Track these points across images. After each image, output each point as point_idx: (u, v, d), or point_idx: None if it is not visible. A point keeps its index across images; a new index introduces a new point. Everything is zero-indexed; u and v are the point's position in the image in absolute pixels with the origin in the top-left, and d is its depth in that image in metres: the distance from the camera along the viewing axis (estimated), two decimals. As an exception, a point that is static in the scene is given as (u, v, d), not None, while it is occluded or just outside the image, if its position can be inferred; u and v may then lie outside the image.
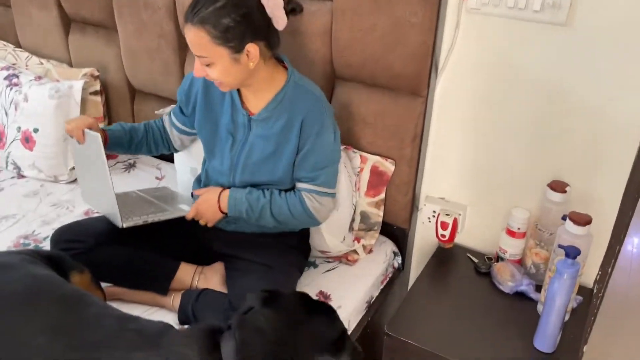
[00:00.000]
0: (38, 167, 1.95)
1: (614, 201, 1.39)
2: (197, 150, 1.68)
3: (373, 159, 1.62)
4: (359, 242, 1.64)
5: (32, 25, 2.20)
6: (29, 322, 1.00)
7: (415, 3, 1.37)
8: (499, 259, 1.57)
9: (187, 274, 1.47)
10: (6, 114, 1.96)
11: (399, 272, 1.75)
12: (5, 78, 2.01)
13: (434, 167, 1.65)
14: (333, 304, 1.48)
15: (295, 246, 1.55)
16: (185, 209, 1.51)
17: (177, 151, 1.70)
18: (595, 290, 1.46)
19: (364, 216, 1.66)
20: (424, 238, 1.76)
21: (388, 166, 1.61)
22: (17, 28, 2.26)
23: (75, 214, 1.80)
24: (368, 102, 1.57)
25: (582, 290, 1.48)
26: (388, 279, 1.70)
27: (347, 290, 1.54)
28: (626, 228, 1.20)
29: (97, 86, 2.04)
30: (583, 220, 1.29)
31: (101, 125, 2.06)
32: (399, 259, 1.75)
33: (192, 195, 1.60)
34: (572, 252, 1.20)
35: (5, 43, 2.24)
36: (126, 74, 2.03)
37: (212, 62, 1.28)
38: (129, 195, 1.63)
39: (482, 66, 1.45)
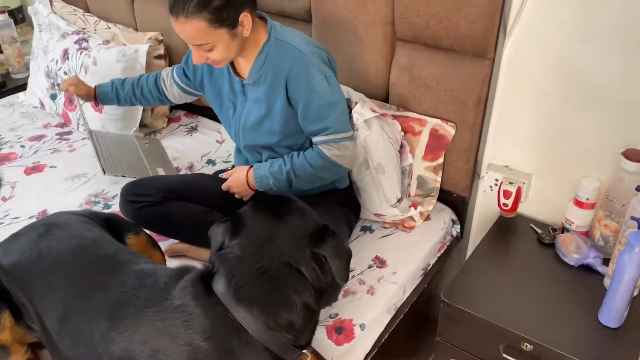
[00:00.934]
0: (107, 128, 2.03)
1: (696, 172, 1.29)
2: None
3: (433, 122, 1.58)
4: (415, 208, 1.62)
5: (100, -9, 2.26)
6: (67, 282, 1.09)
7: (484, -42, 1.30)
8: (564, 230, 1.51)
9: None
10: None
11: (457, 241, 1.72)
12: (76, 42, 2.09)
13: (498, 133, 1.59)
14: (389, 269, 1.48)
15: (341, 202, 1.55)
16: (161, 173, 1.73)
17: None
18: (669, 267, 1.38)
19: (421, 181, 1.63)
20: (485, 207, 1.71)
21: (448, 129, 1.56)
22: (86, -7, 2.33)
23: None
24: (430, 64, 1.52)
25: (655, 265, 1.40)
26: (446, 247, 1.67)
27: (403, 257, 1.53)
28: None
29: (161, 50, 2.08)
30: (660, 191, 1.21)
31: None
32: (458, 227, 1.72)
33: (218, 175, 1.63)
34: (646, 225, 1.13)
35: (75, 8, 2.32)
36: (188, 37, 2.05)
37: (213, 45, 1.29)
38: (127, 142, 1.84)
39: (555, 26, 1.36)
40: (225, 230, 1.08)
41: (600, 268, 1.38)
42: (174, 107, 2.27)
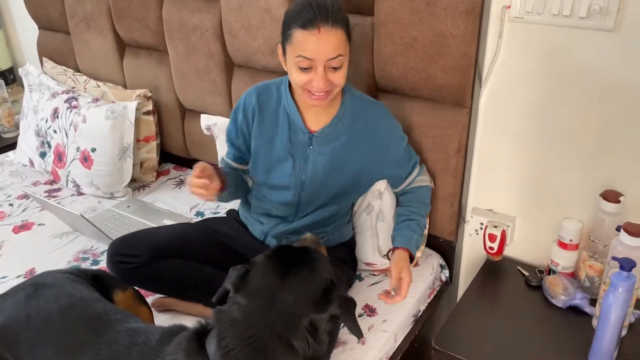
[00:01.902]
0: (96, 184, 2.05)
1: (672, 211, 1.33)
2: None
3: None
4: (404, 255, 1.63)
5: (90, 51, 2.33)
6: (56, 342, 1.08)
7: (456, 15, 1.37)
8: (550, 272, 1.53)
9: (237, 288, 1.51)
10: (66, 134, 2.08)
11: (446, 286, 1.73)
12: (66, 101, 2.13)
13: (481, 178, 1.63)
14: (379, 317, 1.48)
15: (344, 259, 1.56)
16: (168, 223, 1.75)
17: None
18: (655, 305, 1.40)
19: (410, 229, 1.65)
20: (472, 250, 1.73)
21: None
22: (76, 54, 2.39)
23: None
24: (411, 113, 1.57)
25: (641, 304, 1.42)
26: (435, 292, 1.68)
27: (393, 305, 1.52)
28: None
29: (149, 106, 2.13)
30: (638, 231, 1.24)
31: (154, 142, 2.15)
32: (446, 272, 1.73)
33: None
34: (627, 265, 1.15)
35: (65, 68, 2.38)
36: (177, 94, 2.11)
37: (344, 61, 1.30)
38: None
39: (528, 75, 1.42)
40: (235, 279, 1.07)
41: (588, 309, 1.39)
42: (164, 161, 2.31)
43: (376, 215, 1.57)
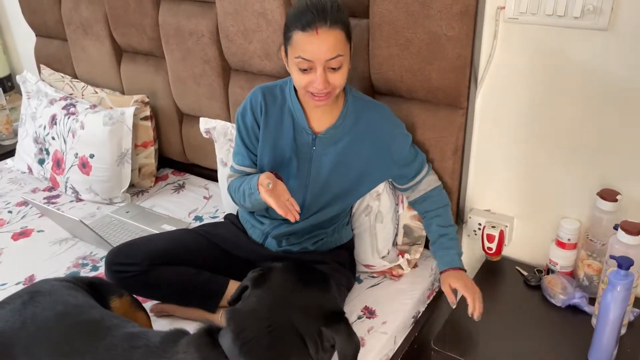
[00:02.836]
0: (94, 190, 2.06)
1: (669, 209, 1.33)
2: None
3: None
4: (403, 256, 1.63)
5: (87, 57, 2.33)
6: (52, 349, 1.08)
7: (450, 16, 1.38)
8: (549, 271, 1.53)
9: (236, 292, 1.51)
10: (65, 141, 2.08)
11: (445, 287, 1.73)
12: (64, 108, 2.13)
13: (478, 179, 1.63)
14: (378, 319, 1.48)
15: (344, 263, 1.55)
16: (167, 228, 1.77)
17: None
18: (654, 303, 1.40)
19: (407, 230, 1.65)
20: (470, 251, 1.73)
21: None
22: (74, 60, 2.40)
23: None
24: (407, 115, 1.57)
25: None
26: (435, 293, 1.68)
27: (393, 306, 1.53)
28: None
29: (147, 112, 2.13)
30: (636, 229, 1.24)
31: (152, 147, 2.16)
32: (446, 273, 1.73)
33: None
34: (624, 263, 1.16)
35: (63, 75, 2.39)
36: (174, 99, 2.11)
37: (344, 61, 1.30)
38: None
39: (523, 75, 1.43)
40: (254, 277, 1.09)
41: (587, 308, 1.39)
42: (162, 166, 2.31)
43: (375, 216, 1.58)
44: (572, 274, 1.51)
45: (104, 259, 1.50)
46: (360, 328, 1.44)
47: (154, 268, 1.43)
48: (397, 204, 1.62)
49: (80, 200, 2.11)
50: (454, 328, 1.41)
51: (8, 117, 2.60)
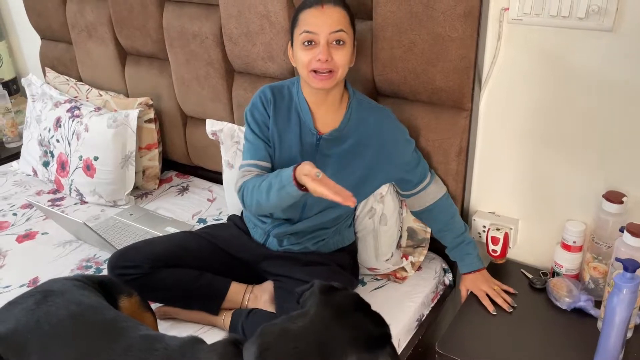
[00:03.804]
0: (98, 193, 2.06)
1: (676, 211, 1.32)
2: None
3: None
4: (407, 259, 1.63)
5: (92, 60, 2.34)
6: (67, 348, 1.07)
7: (454, 18, 1.37)
8: (554, 274, 1.52)
9: (238, 294, 1.50)
10: (69, 143, 2.09)
11: (450, 290, 1.72)
12: (68, 110, 2.14)
13: (482, 181, 1.62)
14: (382, 322, 1.47)
15: (346, 265, 1.55)
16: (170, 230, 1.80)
17: None
18: (661, 306, 1.38)
19: (411, 232, 1.65)
20: (475, 254, 1.72)
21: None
22: (78, 63, 2.41)
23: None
24: (410, 117, 1.57)
25: (647, 305, 1.41)
26: (439, 296, 1.67)
27: (397, 309, 1.52)
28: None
29: (151, 114, 2.14)
30: (642, 231, 1.23)
31: (156, 150, 2.16)
32: (450, 276, 1.72)
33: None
34: (630, 266, 1.14)
35: (67, 78, 2.40)
36: (178, 101, 2.12)
37: (347, 39, 1.34)
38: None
39: (527, 77, 1.42)
40: (319, 288, 1.04)
41: (593, 311, 1.38)
42: (166, 168, 2.31)
43: (378, 218, 1.57)
44: (577, 277, 1.50)
45: (107, 262, 1.50)
46: (363, 331, 1.44)
47: (156, 271, 1.43)
48: (401, 207, 1.61)
49: (85, 202, 2.11)
50: (458, 331, 1.40)
51: (13, 120, 2.61)
